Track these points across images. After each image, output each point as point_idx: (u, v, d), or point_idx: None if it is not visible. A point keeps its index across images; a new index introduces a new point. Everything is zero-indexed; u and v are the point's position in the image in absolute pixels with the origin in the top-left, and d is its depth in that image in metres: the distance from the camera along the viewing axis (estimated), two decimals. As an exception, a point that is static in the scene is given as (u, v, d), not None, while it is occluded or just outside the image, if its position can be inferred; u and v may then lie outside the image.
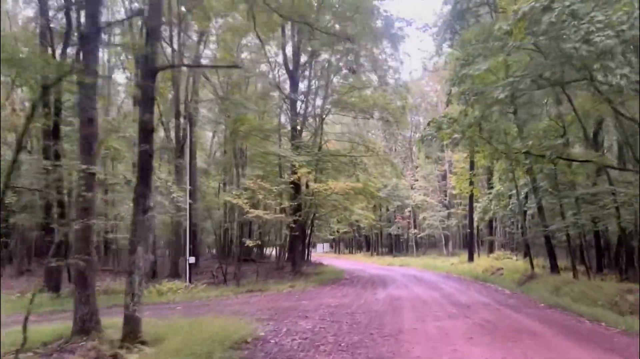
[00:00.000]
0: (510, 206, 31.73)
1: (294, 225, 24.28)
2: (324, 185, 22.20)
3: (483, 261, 30.68)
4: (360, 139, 35.54)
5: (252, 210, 19.82)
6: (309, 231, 38.63)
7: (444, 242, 52.91)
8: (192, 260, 21.07)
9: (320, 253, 69.43)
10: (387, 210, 57.93)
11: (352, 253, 67.66)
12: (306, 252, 38.61)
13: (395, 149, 61.68)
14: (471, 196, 34.57)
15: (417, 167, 58.84)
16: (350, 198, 33.64)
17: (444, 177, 57.03)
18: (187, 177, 21.40)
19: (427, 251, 56.46)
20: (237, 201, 19.76)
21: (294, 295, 17.81)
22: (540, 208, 22.33)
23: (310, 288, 19.94)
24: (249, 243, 20.83)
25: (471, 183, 32.74)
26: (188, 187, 21.00)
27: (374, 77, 31.97)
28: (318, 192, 25.18)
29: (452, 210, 53.97)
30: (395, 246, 62.39)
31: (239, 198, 19.91)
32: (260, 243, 21.95)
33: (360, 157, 32.80)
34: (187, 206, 20.96)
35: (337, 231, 67.67)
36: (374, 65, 31.10)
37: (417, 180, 54.98)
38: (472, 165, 33.39)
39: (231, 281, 23.14)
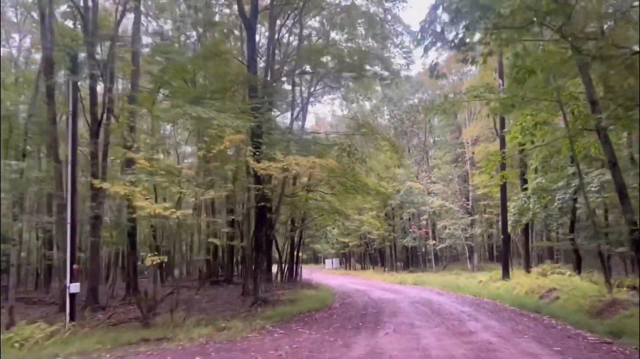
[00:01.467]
0: (557, 204, 23.40)
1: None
2: (276, 164, 13.97)
3: (523, 278, 22.23)
4: (357, 122, 27.34)
5: (141, 204, 11.80)
6: (292, 244, 30.83)
7: (467, 255, 44.30)
8: (74, 288, 13.18)
9: (329, 270, 61.07)
10: (401, 219, 49.60)
11: (364, 268, 59.17)
12: (294, 269, 30.67)
13: (409, 150, 53.50)
14: (504, 188, 26.16)
15: (433, 168, 50.46)
16: (340, 197, 25.57)
17: (465, 180, 48.63)
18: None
19: (447, 265, 47.88)
20: (127, 191, 11.86)
21: (196, 353, 9.80)
22: (623, 196, 13.91)
23: (252, 334, 11.82)
24: (149, 260, 12.72)
25: (503, 168, 24.38)
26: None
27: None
28: (287, 184, 17.26)
29: (476, 217, 45.45)
30: (411, 260, 53.83)
31: (134, 186, 12.04)
32: (165, 259, 13.77)
33: (353, 139, 24.73)
34: (68, 206, 13.22)
35: (347, 245, 59.71)
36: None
37: (434, 183, 46.58)
38: (502, 142, 25.10)
39: (159, 317, 15.43)
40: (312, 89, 27.78)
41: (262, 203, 17.94)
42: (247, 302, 18.15)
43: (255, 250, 18.31)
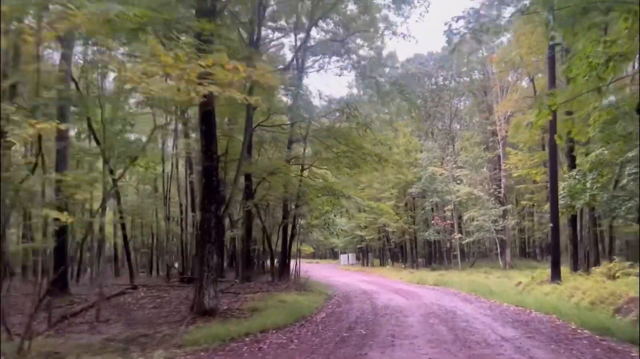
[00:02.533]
0: (626, 180, 17.32)
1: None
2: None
3: (581, 281, 16.15)
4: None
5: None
6: (285, 234, 25.17)
7: (498, 250, 38.00)
8: None
9: (343, 266, 55.30)
10: (423, 209, 43.50)
11: (383, 264, 53.18)
12: (288, 265, 25.09)
13: (432, 133, 47.31)
14: (554, 151, 19.97)
15: (459, 152, 44.16)
16: (336, 171, 19.81)
17: (496, 167, 42.27)
18: None
19: (475, 262, 41.65)
20: None
21: None
22: None
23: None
24: None
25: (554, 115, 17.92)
26: None
27: None
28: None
29: (509, 207, 39.11)
30: (433, 256, 47.67)
31: None
32: None
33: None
34: None
35: (364, 239, 53.84)
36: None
37: (460, 168, 40.33)
38: (552, 79, 18.96)
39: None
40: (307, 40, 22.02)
41: (208, 164, 12.40)
42: (189, 311, 12.58)
43: (202, 238, 12.69)
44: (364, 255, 57.22)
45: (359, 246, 58.21)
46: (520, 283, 19.74)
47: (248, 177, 19.76)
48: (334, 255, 78.27)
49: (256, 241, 25.87)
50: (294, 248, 37.58)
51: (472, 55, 44.72)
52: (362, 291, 23.11)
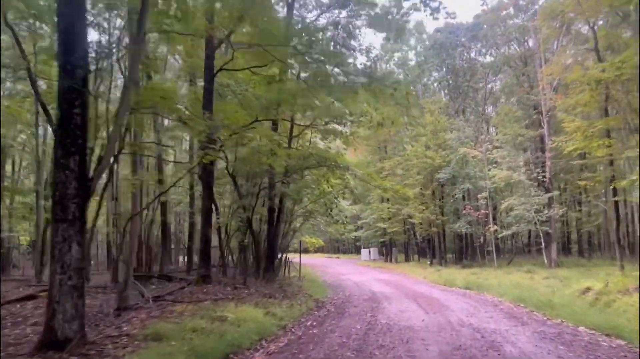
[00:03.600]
0: None
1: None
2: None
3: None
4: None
5: None
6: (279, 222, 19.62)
7: (543, 245, 31.70)
8: None
9: (363, 262, 49.58)
10: (453, 197, 37.46)
11: (408, 260, 47.15)
12: (274, 258, 19.73)
13: (464, 111, 41.09)
14: None
15: (497, 128, 37.92)
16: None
17: (539, 148, 35.93)
18: None
19: (513, 259, 35.48)
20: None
21: None
22: None
23: None
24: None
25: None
26: None
27: None
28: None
29: (555, 194, 32.78)
30: (465, 251, 41.59)
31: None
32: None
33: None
34: None
35: (386, 232, 48.01)
36: None
37: (497, 148, 34.13)
38: None
39: None
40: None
41: (67, 82, 7.08)
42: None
43: (53, 215, 7.28)
44: (388, 250, 51.22)
45: (381, 240, 52.40)
46: (588, 290, 13.77)
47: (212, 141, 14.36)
48: (357, 250, 72.42)
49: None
50: (294, 241, 32.44)
51: (511, 21, 38.42)
52: (370, 296, 17.55)
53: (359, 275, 30.74)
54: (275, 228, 19.23)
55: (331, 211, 22.39)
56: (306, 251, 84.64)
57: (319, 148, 17.28)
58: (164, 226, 27.23)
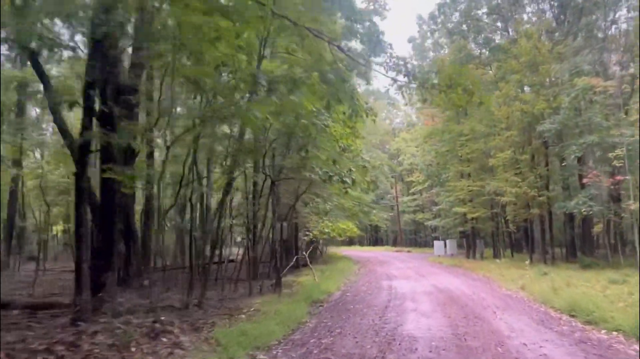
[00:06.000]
0: None
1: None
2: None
3: None
4: None
5: None
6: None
7: None
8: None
9: (435, 258, 37.22)
10: (562, 162, 24.75)
11: (496, 256, 34.26)
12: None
13: (575, 34, 27.76)
14: None
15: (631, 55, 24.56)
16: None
17: None
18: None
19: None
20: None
21: None
22: None
23: None
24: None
25: None
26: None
27: None
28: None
29: None
30: (582, 242, 28.52)
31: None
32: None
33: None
34: None
35: (466, 219, 35.70)
36: None
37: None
38: None
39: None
40: None
41: None
42: None
43: None
44: (470, 242, 38.48)
45: (460, 229, 39.94)
46: None
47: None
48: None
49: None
50: (314, 231, 21.29)
51: None
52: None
53: (415, 278, 19.26)
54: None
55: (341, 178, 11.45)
56: (376, 242, 73.06)
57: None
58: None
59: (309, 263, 17.91)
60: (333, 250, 40.93)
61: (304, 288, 14.72)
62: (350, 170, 10.86)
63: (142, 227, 15.84)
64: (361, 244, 67.95)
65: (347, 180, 10.51)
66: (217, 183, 15.15)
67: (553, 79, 23.61)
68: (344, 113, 11.82)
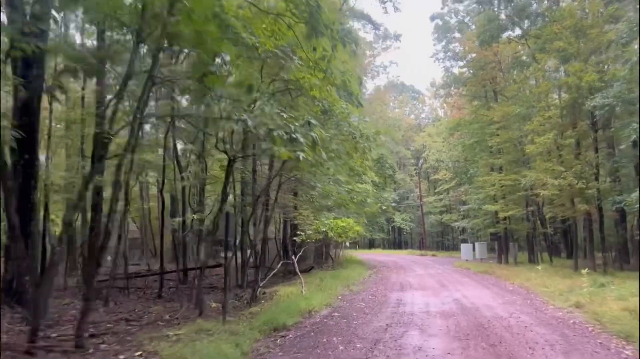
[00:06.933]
0: None
1: None
2: None
3: None
4: None
5: None
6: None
7: None
8: None
9: (461, 263, 32.74)
10: (611, 148, 20.33)
11: (533, 261, 29.69)
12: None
13: None
14: None
15: None
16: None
17: None
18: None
19: None
20: None
21: None
22: None
23: None
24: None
25: None
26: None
27: None
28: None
29: None
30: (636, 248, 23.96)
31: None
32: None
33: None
34: None
35: (497, 220, 31.46)
36: None
37: None
38: None
39: None
40: None
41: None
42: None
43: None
44: (502, 245, 33.89)
45: (491, 231, 35.57)
46: None
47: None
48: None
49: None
50: (308, 230, 17.25)
51: None
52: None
53: (434, 290, 15.24)
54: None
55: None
56: (400, 245, 68.33)
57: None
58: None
59: (297, 269, 14.03)
60: (350, 253, 36.90)
61: (278, 305, 10.89)
62: (309, 123, 6.98)
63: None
64: (383, 247, 63.64)
65: (298, 137, 6.62)
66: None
67: (605, 42, 19.21)
68: (315, 48, 8.00)
